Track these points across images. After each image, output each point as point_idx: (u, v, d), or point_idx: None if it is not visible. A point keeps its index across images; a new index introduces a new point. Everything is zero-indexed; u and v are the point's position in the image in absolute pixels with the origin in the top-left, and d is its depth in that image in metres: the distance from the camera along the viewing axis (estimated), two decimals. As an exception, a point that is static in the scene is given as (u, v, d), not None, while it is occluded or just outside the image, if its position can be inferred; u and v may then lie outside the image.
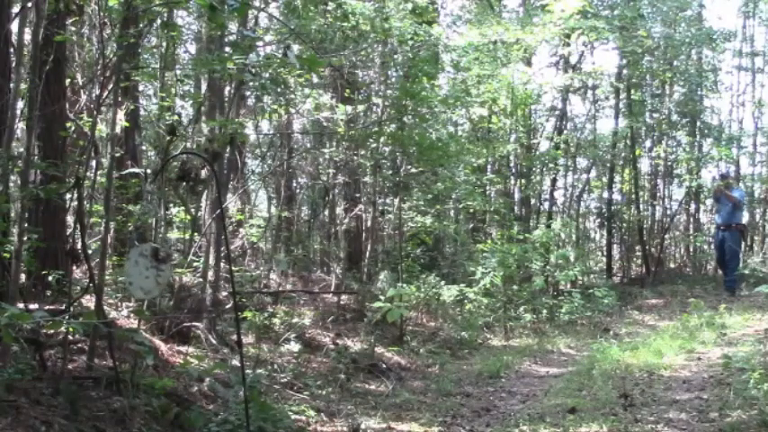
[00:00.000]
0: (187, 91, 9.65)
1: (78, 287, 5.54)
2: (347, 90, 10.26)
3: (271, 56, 6.62)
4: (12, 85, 5.16)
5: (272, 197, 11.76)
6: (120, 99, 5.98)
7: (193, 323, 6.64)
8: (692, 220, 17.37)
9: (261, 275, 9.37)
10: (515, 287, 11.07)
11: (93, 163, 6.63)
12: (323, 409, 5.93)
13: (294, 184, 12.75)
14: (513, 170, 14.71)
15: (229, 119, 7.34)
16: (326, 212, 13.10)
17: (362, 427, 5.54)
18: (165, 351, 5.92)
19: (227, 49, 7.48)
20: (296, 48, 8.90)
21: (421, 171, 11.20)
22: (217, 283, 7.46)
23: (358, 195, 11.41)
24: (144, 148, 9.82)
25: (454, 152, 10.72)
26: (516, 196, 14.81)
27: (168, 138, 6.43)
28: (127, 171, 7.06)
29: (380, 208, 11.44)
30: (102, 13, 6.28)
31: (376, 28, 8.88)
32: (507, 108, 12.30)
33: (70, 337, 4.98)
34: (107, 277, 5.96)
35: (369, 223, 10.52)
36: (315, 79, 10.32)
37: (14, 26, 5.78)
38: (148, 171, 7.63)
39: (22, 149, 5.44)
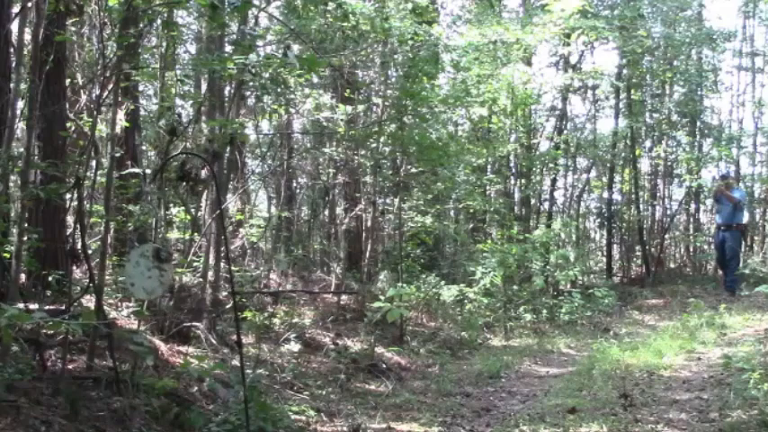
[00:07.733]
0: (187, 91, 9.65)
1: (78, 287, 5.54)
2: (347, 90, 10.26)
3: (271, 56, 6.61)
4: (12, 85, 5.15)
5: (272, 197, 11.78)
6: (120, 99, 5.98)
7: (193, 323, 6.64)
8: (692, 220, 17.36)
9: (261, 275, 9.37)
10: (515, 287, 11.08)
11: (93, 163, 6.63)
12: (323, 409, 5.93)
13: (294, 184, 12.77)
14: (513, 170, 14.70)
15: (229, 119, 7.34)
16: (326, 212, 13.12)
17: (362, 427, 5.54)
18: (165, 351, 5.92)
19: (228, 48, 7.49)
20: (296, 48, 8.91)
21: (421, 171, 11.20)
22: (217, 283, 7.46)
23: (358, 195, 11.41)
24: (144, 148, 9.82)
25: (454, 152, 10.73)
26: (516, 196, 14.80)
27: (168, 138, 6.43)
28: (127, 171, 7.05)
29: (380, 208, 11.44)
30: (102, 13, 6.28)
31: (376, 28, 8.88)
32: (507, 108, 12.29)
33: (70, 337, 4.97)
34: (107, 277, 5.95)
35: (369, 223, 10.51)
36: (315, 79, 10.33)
37: (14, 26, 5.78)
38: (148, 171, 7.62)
39: (22, 149, 5.44)
